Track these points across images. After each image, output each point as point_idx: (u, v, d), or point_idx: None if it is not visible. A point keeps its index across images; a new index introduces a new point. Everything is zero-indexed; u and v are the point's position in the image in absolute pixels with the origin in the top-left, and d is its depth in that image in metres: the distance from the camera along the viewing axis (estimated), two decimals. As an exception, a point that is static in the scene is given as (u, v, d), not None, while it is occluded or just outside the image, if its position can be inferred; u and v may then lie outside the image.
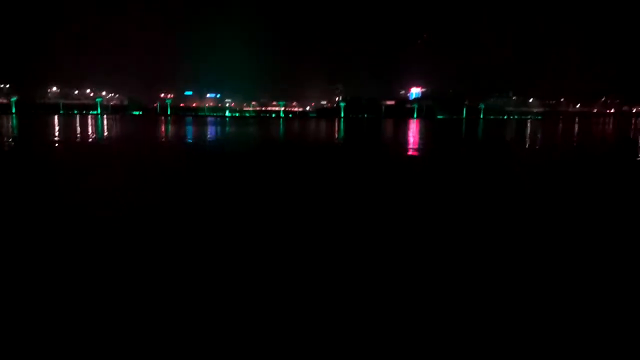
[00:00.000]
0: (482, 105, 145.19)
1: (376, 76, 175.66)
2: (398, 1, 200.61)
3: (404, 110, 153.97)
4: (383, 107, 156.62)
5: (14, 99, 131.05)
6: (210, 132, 51.17)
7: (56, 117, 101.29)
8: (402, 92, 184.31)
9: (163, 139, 41.47)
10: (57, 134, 46.74)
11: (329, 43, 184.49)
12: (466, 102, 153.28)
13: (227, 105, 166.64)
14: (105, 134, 47.78)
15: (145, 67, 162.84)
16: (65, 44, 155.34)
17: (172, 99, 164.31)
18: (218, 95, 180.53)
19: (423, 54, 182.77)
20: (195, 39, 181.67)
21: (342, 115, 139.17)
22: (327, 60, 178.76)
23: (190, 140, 39.61)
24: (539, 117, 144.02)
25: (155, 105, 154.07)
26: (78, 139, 38.86)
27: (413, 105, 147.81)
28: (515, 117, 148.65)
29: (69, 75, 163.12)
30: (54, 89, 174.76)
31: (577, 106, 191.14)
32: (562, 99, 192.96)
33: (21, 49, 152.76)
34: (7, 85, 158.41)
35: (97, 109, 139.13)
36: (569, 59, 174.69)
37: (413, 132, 59.93)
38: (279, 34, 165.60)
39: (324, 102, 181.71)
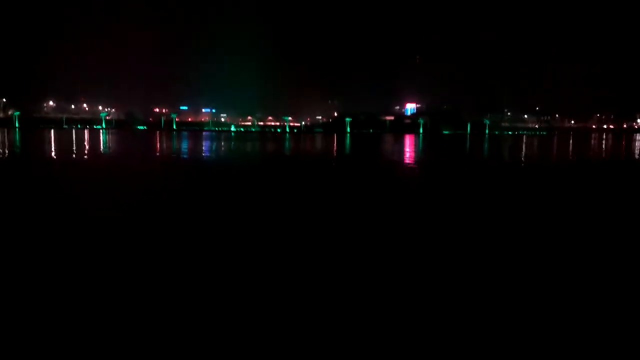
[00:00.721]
0: (487, 121, 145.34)
1: (371, 91, 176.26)
2: (392, 16, 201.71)
3: (407, 125, 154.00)
4: (387, 123, 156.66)
5: (17, 113, 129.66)
6: (242, 148, 50.04)
7: (71, 132, 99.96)
8: (397, 107, 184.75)
9: (213, 155, 40.17)
10: (98, 149, 45.76)
11: (324, 58, 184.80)
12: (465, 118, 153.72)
13: (223, 119, 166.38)
14: (146, 148, 47.35)
15: (139, 82, 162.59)
16: (60, 59, 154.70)
17: (166, 114, 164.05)
18: (213, 110, 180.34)
19: (416, 70, 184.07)
20: (190, 54, 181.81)
21: (348, 130, 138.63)
22: (322, 75, 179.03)
23: (235, 156, 38.67)
24: (544, 133, 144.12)
25: (152, 120, 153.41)
26: (134, 154, 38.29)
27: (418, 121, 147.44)
28: (522, 132, 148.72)
29: (64, 89, 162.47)
30: (51, 103, 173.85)
31: (572, 122, 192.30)
32: (556, 115, 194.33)
33: (17, 63, 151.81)
34: (4, 99, 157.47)
35: (101, 124, 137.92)
36: (563, 74, 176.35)
37: (443, 147, 59.14)
38: (274, 49, 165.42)
39: (319, 117, 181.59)
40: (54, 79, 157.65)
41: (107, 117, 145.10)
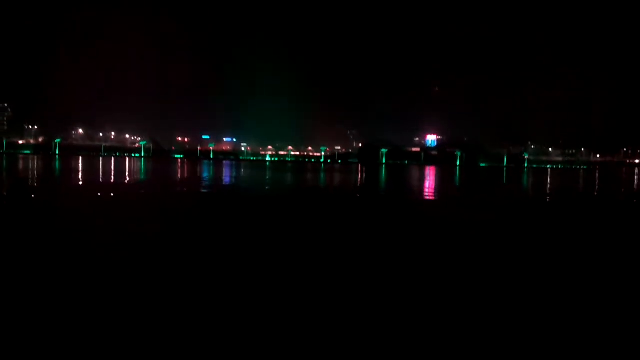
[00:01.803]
0: (526, 154, 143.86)
1: (387, 123, 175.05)
2: (409, 47, 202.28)
3: (440, 157, 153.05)
4: (421, 154, 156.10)
5: (58, 140, 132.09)
6: (315, 179, 49.28)
7: (124, 160, 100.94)
8: (417, 139, 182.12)
9: (300, 186, 39.45)
10: (196, 177, 45.58)
11: (342, 88, 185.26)
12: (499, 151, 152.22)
13: (244, 149, 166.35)
14: (232, 176, 47.10)
15: (161, 110, 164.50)
16: (85, 87, 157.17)
17: (189, 143, 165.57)
18: (234, 140, 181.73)
19: (435, 102, 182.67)
20: (212, 84, 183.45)
21: (384, 161, 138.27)
22: (339, 106, 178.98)
23: (324, 188, 37.74)
24: (584, 167, 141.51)
25: (187, 149, 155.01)
26: (236, 184, 37.94)
27: (456, 153, 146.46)
28: (561, 166, 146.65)
29: (89, 117, 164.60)
30: (80, 130, 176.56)
31: (598, 156, 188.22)
32: (582, 149, 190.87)
33: (42, 91, 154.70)
34: (35, 127, 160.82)
35: (140, 152, 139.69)
36: (590, 107, 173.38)
37: (519, 182, 57.80)
38: (294, 80, 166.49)
39: (338, 148, 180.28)
40: (79, 106, 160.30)
41: (144, 146, 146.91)
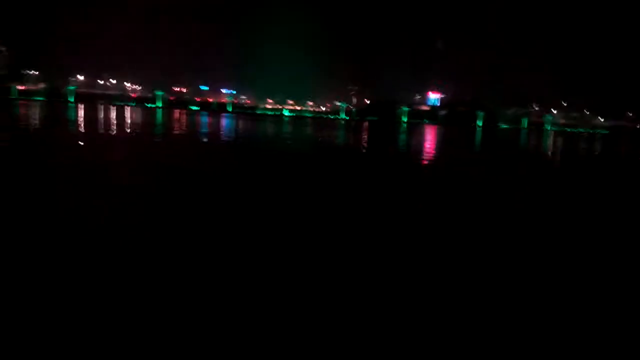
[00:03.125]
0: (549, 117, 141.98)
1: (388, 79, 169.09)
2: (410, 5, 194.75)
3: (458, 116, 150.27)
4: (439, 114, 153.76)
5: (72, 87, 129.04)
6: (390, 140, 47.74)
7: (148, 110, 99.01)
8: (418, 97, 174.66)
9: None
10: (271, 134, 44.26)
11: (344, 43, 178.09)
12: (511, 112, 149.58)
13: (243, 101, 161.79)
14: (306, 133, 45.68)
15: (159, 60, 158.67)
16: (83, 35, 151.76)
17: (187, 93, 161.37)
18: (233, 92, 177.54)
19: (436, 59, 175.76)
20: (210, 32, 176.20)
21: (406, 120, 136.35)
22: (340, 60, 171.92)
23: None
24: (606, 132, 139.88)
25: (206, 99, 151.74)
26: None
27: (476, 112, 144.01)
28: (581, 130, 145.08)
29: (86, 65, 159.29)
30: (81, 77, 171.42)
31: (602, 119, 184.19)
32: (587, 112, 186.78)
33: (42, 37, 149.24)
34: (36, 72, 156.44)
35: (156, 102, 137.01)
36: (594, 71, 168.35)
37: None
38: (293, 32, 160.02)
39: (338, 104, 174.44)
40: (77, 54, 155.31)
41: (127, 94, 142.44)
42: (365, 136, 54.95)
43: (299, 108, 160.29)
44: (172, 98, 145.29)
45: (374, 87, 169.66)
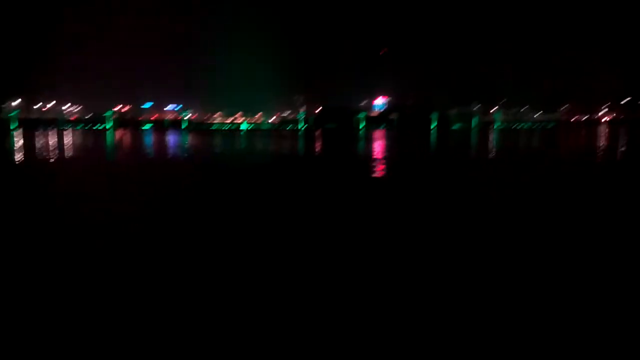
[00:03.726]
0: (497, 115, 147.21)
1: (333, 86, 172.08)
2: (361, 12, 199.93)
3: (409, 120, 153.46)
4: (394, 120, 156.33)
5: (15, 112, 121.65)
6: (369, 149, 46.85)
7: (104, 134, 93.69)
8: (365, 102, 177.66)
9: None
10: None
11: (288, 52, 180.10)
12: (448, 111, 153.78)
13: (188, 117, 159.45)
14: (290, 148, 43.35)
15: (99, 78, 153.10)
16: (20, 58, 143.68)
17: (129, 111, 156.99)
18: (179, 107, 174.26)
19: (384, 63, 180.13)
20: (153, 47, 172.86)
21: (362, 126, 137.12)
22: (289, 69, 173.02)
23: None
24: (551, 125, 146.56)
25: (154, 118, 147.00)
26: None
27: (430, 116, 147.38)
28: (527, 125, 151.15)
29: (26, 88, 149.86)
30: (18, 101, 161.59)
31: (539, 113, 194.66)
32: (525, 107, 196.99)
33: None
34: None
35: (105, 123, 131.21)
36: (532, 65, 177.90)
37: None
38: (241, 43, 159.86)
39: (285, 114, 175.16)
40: (9, 77, 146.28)
41: (79, 118, 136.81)
42: (361, 146, 53.70)
43: (256, 121, 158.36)
44: (122, 118, 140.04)
45: (323, 95, 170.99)
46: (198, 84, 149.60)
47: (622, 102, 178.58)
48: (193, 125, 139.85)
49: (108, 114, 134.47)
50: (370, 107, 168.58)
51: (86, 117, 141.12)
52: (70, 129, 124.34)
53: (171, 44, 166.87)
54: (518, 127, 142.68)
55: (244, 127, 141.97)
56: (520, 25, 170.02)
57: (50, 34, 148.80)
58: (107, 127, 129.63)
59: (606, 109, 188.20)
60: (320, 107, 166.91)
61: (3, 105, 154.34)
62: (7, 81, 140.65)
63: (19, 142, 53.67)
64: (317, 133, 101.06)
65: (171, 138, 72.84)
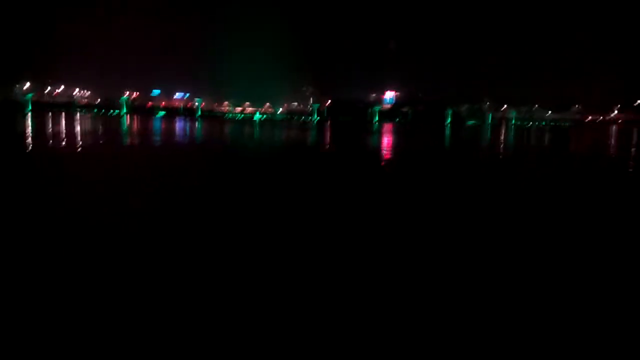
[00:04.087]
0: (513, 113, 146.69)
1: (343, 79, 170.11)
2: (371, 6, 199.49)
3: (423, 115, 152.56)
4: (409, 113, 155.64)
5: (30, 95, 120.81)
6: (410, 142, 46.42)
7: (124, 118, 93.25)
8: (373, 95, 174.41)
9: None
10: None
11: (299, 42, 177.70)
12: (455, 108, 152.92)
13: (197, 105, 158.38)
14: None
15: (109, 64, 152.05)
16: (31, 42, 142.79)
17: (138, 98, 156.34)
18: (186, 95, 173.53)
19: (391, 57, 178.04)
20: (163, 35, 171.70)
21: (377, 120, 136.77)
22: (297, 60, 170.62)
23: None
24: (567, 124, 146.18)
25: (172, 105, 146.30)
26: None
27: (446, 112, 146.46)
28: (543, 124, 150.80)
29: (36, 71, 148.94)
30: (27, 85, 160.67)
31: (549, 113, 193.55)
32: (536, 106, 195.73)
33: None
34: None
35: (118, 109, 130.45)
36: (544, 65, 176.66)
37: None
38: (247, 34, 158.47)
39: (294, 104, 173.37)
40: (20, 60, 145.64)
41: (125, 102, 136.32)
42: (395, 138, 53.35)
43: (267, 111, 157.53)
44: (150, 103, 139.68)
45: (330, 87, 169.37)
46: (204, 73, 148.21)
47: (634, 104, 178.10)
48: (206, 114, 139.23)
49: (123, 99, 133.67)
50: (379, 100, 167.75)
51: (96, 103, 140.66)
52: (85, 113, 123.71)
53: (179, 33, 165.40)
54: (531, 126, 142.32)
55: (257, 117, 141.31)
56: (531, 23, 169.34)
57: (60, 19, 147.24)
58: (122, 113, 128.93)
59: (616, 111, 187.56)
60: (330, 100, 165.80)
61: (15, 87, 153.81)
62: (17, 64, 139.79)
63: (57, 126, 53.36)
64: (332, 125, 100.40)
65: (197, 125, 72.48)
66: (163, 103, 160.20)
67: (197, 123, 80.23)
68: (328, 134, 55.65)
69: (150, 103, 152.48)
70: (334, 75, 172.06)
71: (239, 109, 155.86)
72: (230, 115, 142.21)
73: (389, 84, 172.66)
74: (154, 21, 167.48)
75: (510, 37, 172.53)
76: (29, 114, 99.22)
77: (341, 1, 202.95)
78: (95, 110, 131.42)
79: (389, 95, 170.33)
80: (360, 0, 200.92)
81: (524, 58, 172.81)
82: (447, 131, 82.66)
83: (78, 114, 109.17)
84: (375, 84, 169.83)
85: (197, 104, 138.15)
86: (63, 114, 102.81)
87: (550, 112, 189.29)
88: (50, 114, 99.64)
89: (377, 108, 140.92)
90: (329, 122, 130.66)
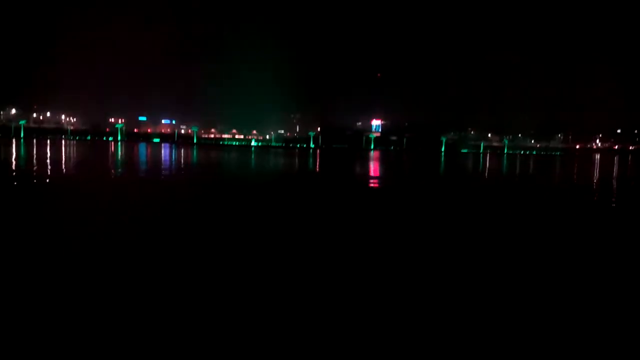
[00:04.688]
0: (505, 140, 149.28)
1: (329, 107, 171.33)
2: (357, 34, 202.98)
3: (420, 141, 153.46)
4: (404, 140, 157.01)
5: (22, 122, 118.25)
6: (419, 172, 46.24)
7: (128, 145, 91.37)
8: (359, 123, 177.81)
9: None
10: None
11: (286, 70, 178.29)
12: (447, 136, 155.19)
13: (183, 131, 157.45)
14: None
15: (95, 90, 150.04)
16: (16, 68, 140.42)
17: (124, 124, 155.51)
18: (173, 122, 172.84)
19: (376, 86, 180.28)
20: (149, 62, 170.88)
21: (372, 147, 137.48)
22: (285, 88, 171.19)
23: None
24: (558, 154, 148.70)
25: (164, 131, 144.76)
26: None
27: (440, 139, 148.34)
28: (536, 153, 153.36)
29: (19, 97, 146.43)
30: (13, 111, 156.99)
31: (532, 142, 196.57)
32: (519, 134, 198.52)
33: None
34: None
35: (113, 136, 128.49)
36: (526, 93, 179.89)
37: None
38: (236, 61, 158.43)
39: (281, 131, 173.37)
40: (6, 85, 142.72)
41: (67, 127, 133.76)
42: (400, 168, 53.22)
43: (265, 137, 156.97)
44: (136, 130, 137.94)
45: (320, 114, 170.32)
46: (190, 99, 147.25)
47: (617, 131, 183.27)
48: (202, 141, 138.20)
49: (118, 126, 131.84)
50: (368, 127, 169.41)
51: (85, 129, 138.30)
52: (79, 140, 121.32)
53: (164, 59, 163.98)
54: (522, 154, 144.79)
55: (254, 144, 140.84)
56: (516, 51, 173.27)
57: (46, 44, 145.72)
58: (119, 139, 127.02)
59: (599, 139, 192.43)
60: (319, 128, 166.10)
61: (1, 113, 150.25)
62: (3, 89, 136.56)
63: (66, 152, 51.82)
64: (331, 153, 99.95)
65: (205, 153, 71.42)
66: (150, 129, 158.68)
67: (210, 152, 78.95)
68: (349, 165, 54.72)
69: (136, 129, 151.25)
70: (322, 103, 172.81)
71: (226, 135, 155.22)
72: (227, 142, 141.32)
73: (374, 111, 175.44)
74: (141, 47, 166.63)
75: (496, 65, 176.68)
76: (32, 140, 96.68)
77: (325, 31, 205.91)
78: (89, 137, 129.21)
79: (376, 122, 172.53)
80: (344, 30, 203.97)
81: (508, 85, 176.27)
82: (450, 158, 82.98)
83: (74, 141, 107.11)
84: (362, 112, 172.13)
85: (193, 130, 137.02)
86: (62, 140, 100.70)
87: (533, 140, 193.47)
88: (48, 140, 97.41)
89: (372, 135, 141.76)
90: (322, 149, 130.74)
